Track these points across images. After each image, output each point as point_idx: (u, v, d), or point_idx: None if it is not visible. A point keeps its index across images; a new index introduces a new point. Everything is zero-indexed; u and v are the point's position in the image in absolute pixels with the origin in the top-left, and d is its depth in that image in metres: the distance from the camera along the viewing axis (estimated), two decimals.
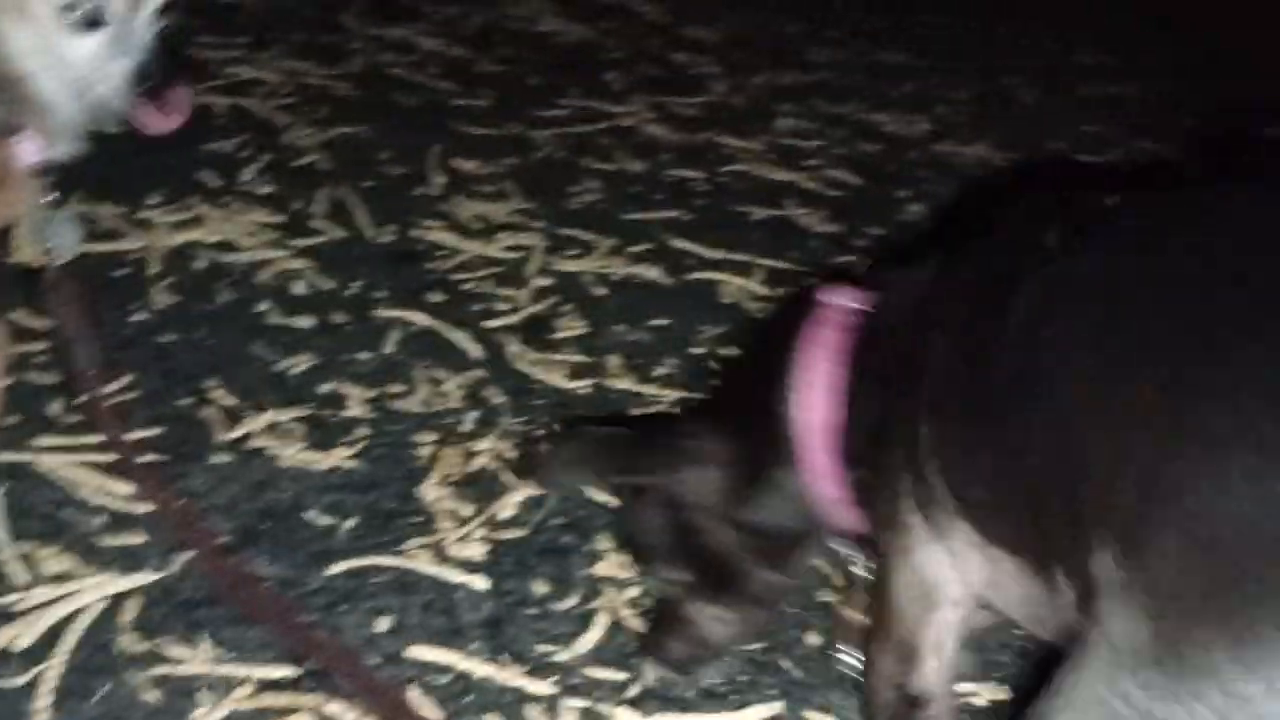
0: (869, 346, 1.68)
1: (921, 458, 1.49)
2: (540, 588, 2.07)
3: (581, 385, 2.62)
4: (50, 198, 1.78)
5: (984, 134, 4.43)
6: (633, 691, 1.89)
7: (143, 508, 2.04)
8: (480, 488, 2.27)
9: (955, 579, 1.53)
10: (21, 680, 1.74)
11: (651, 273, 3.10)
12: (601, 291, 2.99)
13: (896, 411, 1.57)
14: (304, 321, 2.69)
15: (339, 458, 2.29)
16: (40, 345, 2.35)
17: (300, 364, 2.54)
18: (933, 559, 1.53)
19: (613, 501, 2.17)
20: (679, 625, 1.88)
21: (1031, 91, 5.09)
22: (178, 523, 1.92)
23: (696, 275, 3.13)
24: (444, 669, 1.87)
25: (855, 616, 1.98)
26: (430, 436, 2.38)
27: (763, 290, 3.10)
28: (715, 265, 3.18)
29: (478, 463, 2.33)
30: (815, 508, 1.76)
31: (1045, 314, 1.34)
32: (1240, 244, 1.24)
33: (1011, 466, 1.36)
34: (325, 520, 2.15)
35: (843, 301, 1.74)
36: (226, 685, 1.77)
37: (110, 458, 2.08)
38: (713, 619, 1.87)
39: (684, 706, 1.88)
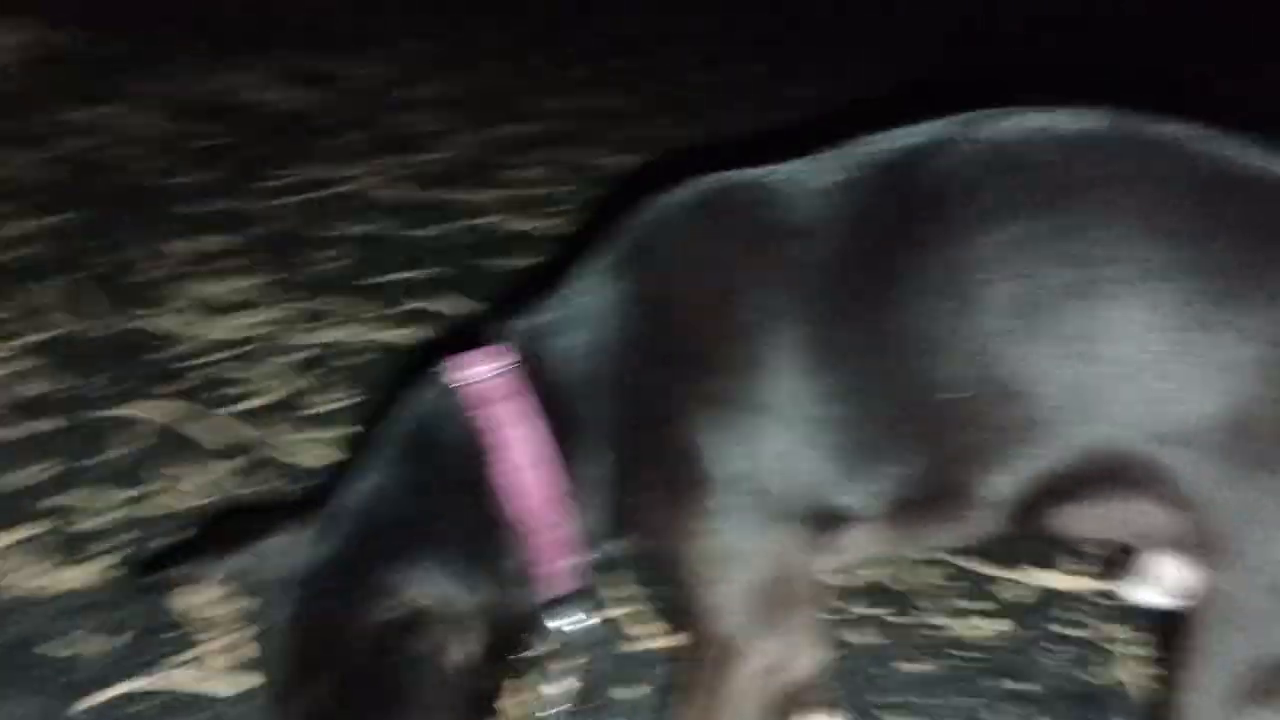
0: (555, 398, 1.56)
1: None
2: None
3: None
4: None
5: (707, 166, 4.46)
6: None
7: None
8: None
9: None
10: None
11: (411, 337, 2.98)
12: (361, 360, 2.84)
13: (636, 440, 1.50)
14: (37, 426, 2.46)
15: (83, 576, 2.07)
16: None
17: (33, 475, 2.31)
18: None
19: None
20: None
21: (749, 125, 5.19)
22: None
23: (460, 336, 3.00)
24: None
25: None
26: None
27: None
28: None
29: None
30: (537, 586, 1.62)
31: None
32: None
33: None
34: (70, 650, 1.92)
35: (490, 366, 1.59)
36: None
37: None
38: None
39: None
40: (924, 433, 1.41)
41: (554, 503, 1.55)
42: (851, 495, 1.45)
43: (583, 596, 1.67)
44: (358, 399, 2.68)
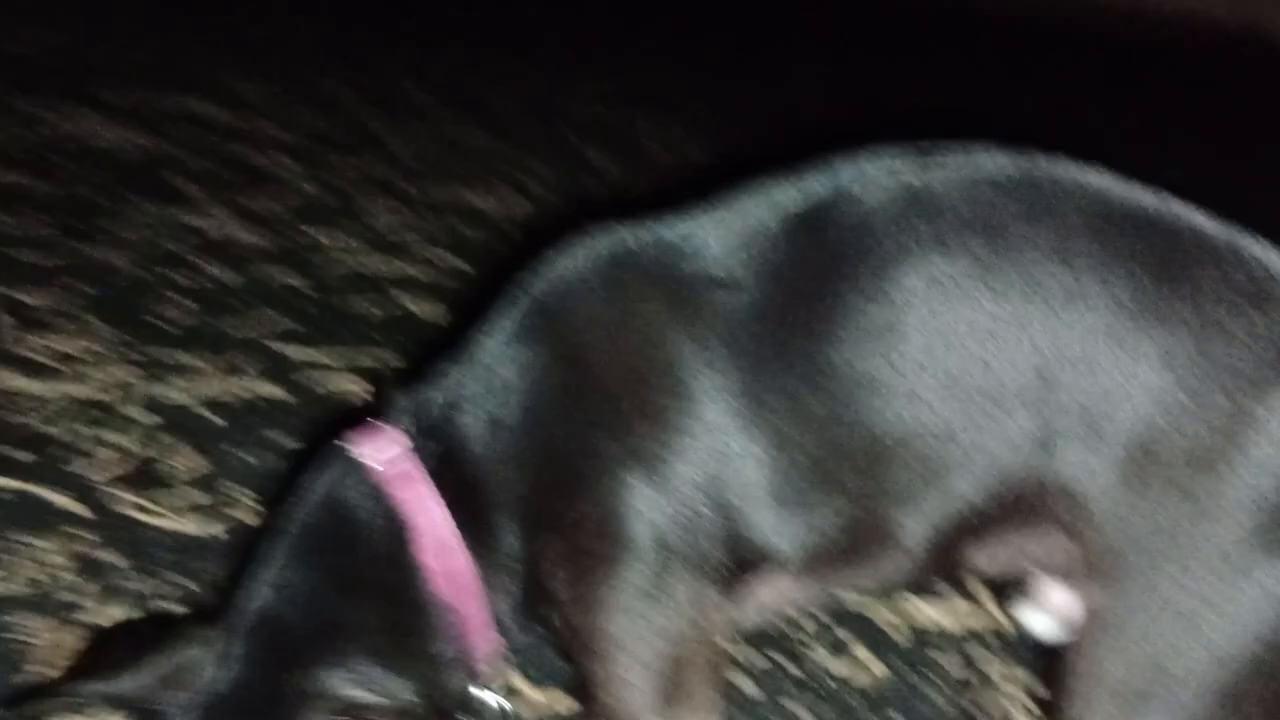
0: (463, 476, 1.52)
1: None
2: None
3: (213, 530, 2.35)
4: None
5: (574, 204, 4.48)
6: None
7: None
8: None
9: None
10: None
11: (271, 390, 2.86)
12: (218, 421, 2.71)
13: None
14: None
15: None
16: None
17: None
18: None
19: None
20: None
21: (613, 163, 5.22)
22: None
23: (324, 388, 2.92)
24: None
25: None
26: (40, 621, 2.03)
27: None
28: (341, 372, 2.99)
29: None
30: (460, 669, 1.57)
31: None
32: None
33: None
34: None
35: (395, 444, 1.55)
36: None
37: None
38: None
39: None
40: (845, 478, 1.41)
41: (469, 584, 1.51)
42: (775, 544, 1.44)
43: (500, 676, 1.63)
44: (216, 458, 2.56)
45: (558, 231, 3.92)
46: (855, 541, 1.46)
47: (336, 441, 1.58)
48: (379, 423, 1.58)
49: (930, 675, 2.17)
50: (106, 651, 1.53)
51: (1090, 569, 1.39)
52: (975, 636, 2.26)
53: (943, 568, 1.51)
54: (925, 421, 1.37)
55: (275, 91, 5.15)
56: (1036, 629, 1.64)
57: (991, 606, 2.32)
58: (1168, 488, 1.31)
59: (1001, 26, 9.27)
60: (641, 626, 1.44)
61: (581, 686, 1.55)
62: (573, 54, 6.94)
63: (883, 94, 6.62)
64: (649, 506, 1.41)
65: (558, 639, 1.60)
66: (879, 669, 2.17)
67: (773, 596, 1.54)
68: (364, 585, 1.51)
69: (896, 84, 6.96)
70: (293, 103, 5.08)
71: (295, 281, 3.47)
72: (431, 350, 3.08)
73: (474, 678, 1.59)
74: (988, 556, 1.50)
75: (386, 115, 5.20)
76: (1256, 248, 1.36)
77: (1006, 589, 1.63)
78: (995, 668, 2.18)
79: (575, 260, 1.53)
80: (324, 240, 3.78)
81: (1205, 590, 1.30)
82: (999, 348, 1.35)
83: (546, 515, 1.47)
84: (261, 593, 1.50)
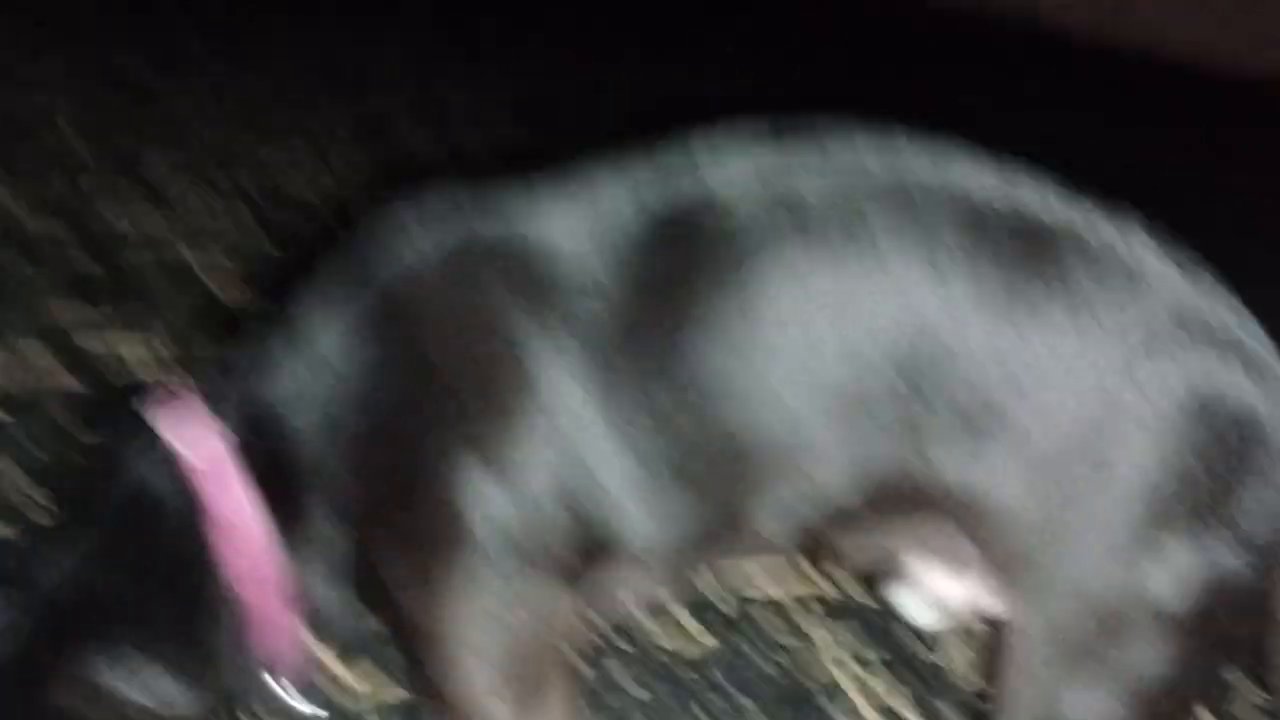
0: (274, 464, 1.43)
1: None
2: None
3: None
4: None
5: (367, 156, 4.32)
6: None
7: None
8: None
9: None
10: None
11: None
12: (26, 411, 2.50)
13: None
14: None
15: None
16: None
17: None
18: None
19: None
20: None
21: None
22: None
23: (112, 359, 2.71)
24: None
25: None
26: None
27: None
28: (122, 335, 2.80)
29: None
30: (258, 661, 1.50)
31: None
32: None
33: None
34: None
35: (200, 421, 1.44)
36: None
37: None
38: None
39: None
40: (701, 473, 1.37)
41: (270, 577, 1.42)
42: (628, 538, 1.39)
43: (302, 669, 1.57)
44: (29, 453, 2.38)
45: (356, 183, 3.75)
46: (713, 531, 1.41)
47: (144, 420, 1.45)
48: (192, 403, 1.46)
49: (757, 643, 2.20)
50: None
51: (993, 566, 1.38)
52: (800, 602, 2.31)
53: (807, 547, 1.50)
54: (783, 419, 1.33)
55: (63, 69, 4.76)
56: (911, 613, 1.63)
57: (814, 573, 2.37)
58: (1056, 482, 1.30)
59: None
60: (482, 620, 1.38)
61: (424, 681, 1.48)
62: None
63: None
64: (490, 500, 1.34)
65: (392, 630, 1.54)
66: (708, 640, 2.19)
67: (621, 584, 1.48)
68: (153, 572, 1.41)
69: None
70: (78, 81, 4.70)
71: (102, 269, 3.23)
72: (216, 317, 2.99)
73: (272, 674, 1.51)
74: (855, 543, 1.48)
75: (165, 70, 4.89)
76: (1127, 234, 1.34)
77: (876, 573, 1.62)
78: (820, 633, 2.23)
79: (418, 246, 1.42)
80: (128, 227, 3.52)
81: (1111, 579, 1.30)
82: (859, 344, 1.31)
83: (381, 510, 1.39)
84: (43, 565, 1.39)
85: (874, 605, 2.29)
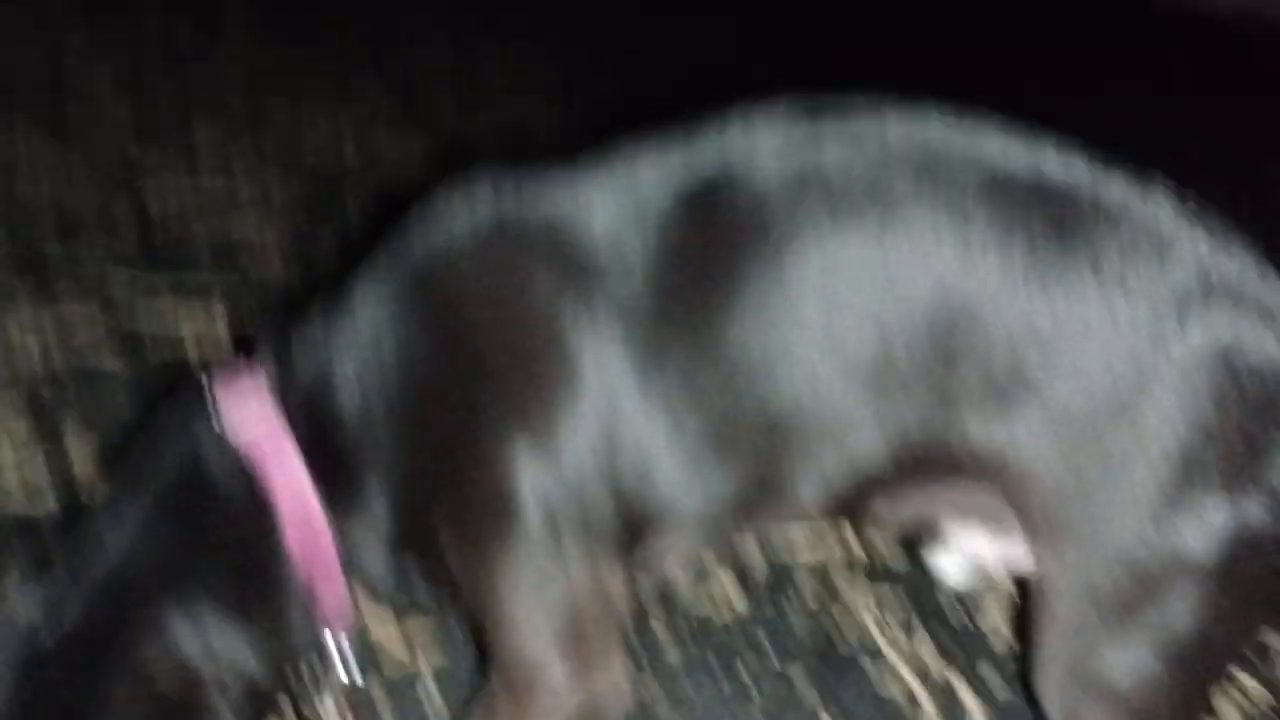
0: (325, 437, 1.46)
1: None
2: None
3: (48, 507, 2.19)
4: None
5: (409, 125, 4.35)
6: None
7: None
8: None
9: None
10: None
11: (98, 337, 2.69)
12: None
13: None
14: None
15: None
16: None
17: None
18: None
19: None
20: None
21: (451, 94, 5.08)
22: None
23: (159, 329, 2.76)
24: None
25: None
26: None
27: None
28: (171, 305, 2.83)
29: None
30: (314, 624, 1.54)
31: None
32: None
33: None
34: None
35: (255, 395, 1.49)
36: None
37: None
38: None
39: None
40: (741, 445, 1.40)
41: (326, 547, 1.46)
42: (671, 508, 1.43)
43: (352, 630, 1.60)
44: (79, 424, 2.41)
45: (397, 155, 3.77)
46: (753, 499, 1.45)
47: (199, 393, 1.50)
48: (248, 379, 1.51)
49: (797, 606, 2.21)
50: None
51: (1028, 528, 1.41)
52: (839, 566, 2.32)
53: (844, 513, 1.53)
54: (821, 394, 1.37)
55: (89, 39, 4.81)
56: (948, 575, 1.65)
57: (853, 537, 2.38)
58: (1088, 445, 1.32)
59: None
60: (536, 590, 1.42)
61: (481, 640, 1.53)
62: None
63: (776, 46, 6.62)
64: (538, 475, 1.38)
65: (444, 599, 1.58)
66: (748, 603, 2.21)
67: (666, 551, 1.54)
68: (214, 542, 1.45)
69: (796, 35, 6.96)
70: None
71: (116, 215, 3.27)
72: (267, 289, 3.02)
73: (327, 631, 1.56)
74: (891, 508, 1.50)
75: (208, 38, 4.93)
76: (1155, 202, 1.36)
77: (914, 536, 1.63)
78: (859, 596, 2.24)
79: (457, 224, 1.46)
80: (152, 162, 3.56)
81: (1144, 537, 1.31)
82: (891, 315, 1.34)
83: (431, 484, 1.43)
84: (99, 539, 1.41)
85: (912, 568, 2.30)
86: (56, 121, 3.72)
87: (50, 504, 2.19)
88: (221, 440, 1.46)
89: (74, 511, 2.13)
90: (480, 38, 5.81)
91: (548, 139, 4.40)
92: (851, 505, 1.49)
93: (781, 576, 2.29)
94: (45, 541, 2.06)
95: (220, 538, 1.45)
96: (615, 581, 1.48)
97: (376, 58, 5.15)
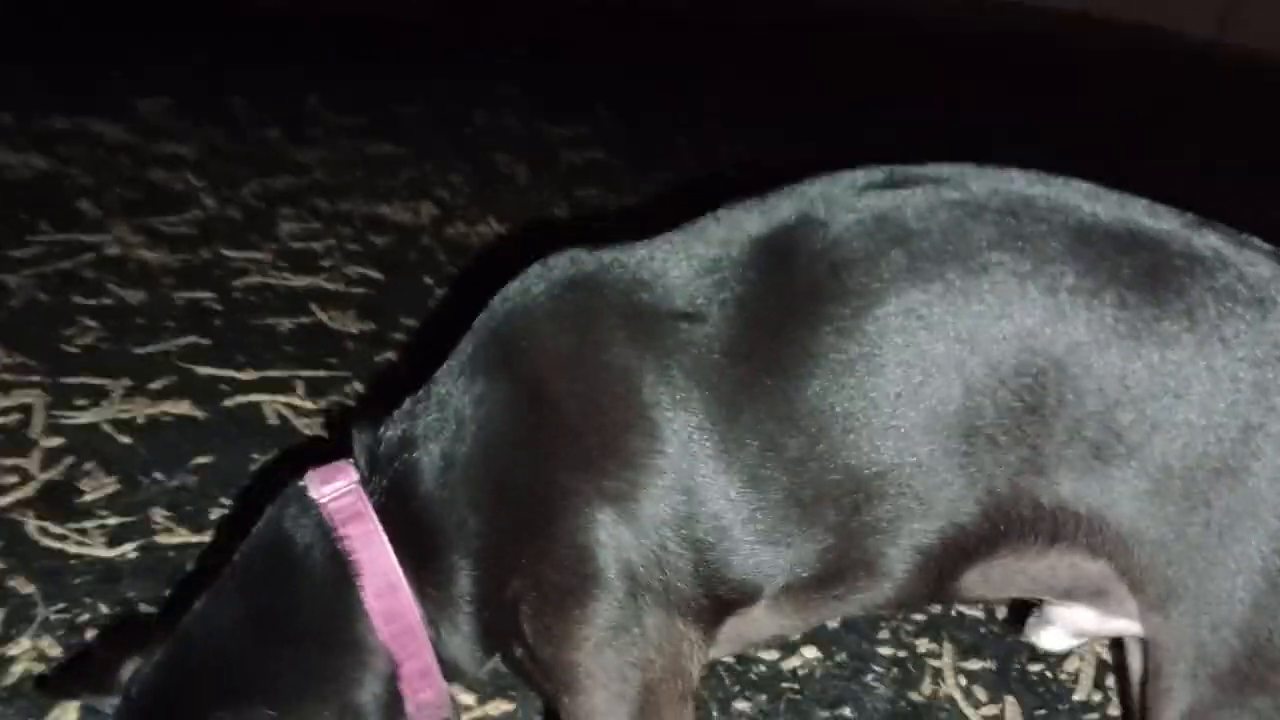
0: (406, 510, 1.48)
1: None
2: None
3: (125, 551, 2.26)
4: None
5: (488, 211, 4.44)
6: None
7: None
8: (26, 702, 1.86)
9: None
10: None
11: (181, 408, 2.77)
12: (126, 440, 2.62)
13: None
14: None
15: None
16: None
17: None
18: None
19: None
20: None
21: (520, 167, 5.16)
22: None
23: (233, 401, 2.84)
24: None
25: None
26: None
27: (309, 404, 2.87)
28: (251, 387, 2.91)
29: (16, 671, 1.93)
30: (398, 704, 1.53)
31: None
32: None
33: None
34: None
35: (345, 480, 1.52)
36: None
37: None
38: None
39: None
40: (823, 511, 1.37)
41: (412, 625, 1.47)
42: (752, 579, 1.41)
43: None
44: (124, 478, 2.48)
45: (461, 236, 3.88)
46: (837, 573, 1.42)
47: (295, 488, 1.55)
48: (337, 459, 1.54)
49: (870, 662, 2.16)
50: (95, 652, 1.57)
51: (1134, 591, 1.36)
52: (908, 619, 2.26)
53: (935, 594, 1.47)
54: (905, 453, 1.33)
55: (167, 107, 5.02)
56: (1045, 642, 1.60)
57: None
58: (1193, 505, 1.28)
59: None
60: (613, 659, 1.41)
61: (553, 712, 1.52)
62: (478, 62, 6.90)
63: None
64: (618, 542, 1.37)
65: (519, 673, 1.57)
66: (821, 655, 2.16)
67: (752, 629, 1.50)
68: (293, 624, 1.47)
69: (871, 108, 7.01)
70: (186, 121, 4.94)
71: (202, 298, 3.37)
72: (346, 359, 3.09)
73: None
74: (988, 587, 1.46)
75: (288, 129, 5.10)
76: (1247, 252, 1.32)
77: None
78: (930, 648, 2.18)
79: (533, 289, 1.47)
80: (231, 255, 3.69)
81: (1257, 599, 1.26)
82: (978, 375, 1.31)
83: (509, 552, 1.43)
84: (190, 615, 1.49)
85: (979, 615, 2.23)
86: (146, 222, 3.85)
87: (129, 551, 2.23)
88: (309, 523, 1.49)
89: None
90: (556, 124, 5.91)
91: (623, 223, 4.44)
92: (946, 582, 1.44)
93: (845, 624, 2.23)
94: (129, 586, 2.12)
95: (297, 624, 1.47)
96: (694, 651, 1.45)
97: (457, 146, 5.26)
